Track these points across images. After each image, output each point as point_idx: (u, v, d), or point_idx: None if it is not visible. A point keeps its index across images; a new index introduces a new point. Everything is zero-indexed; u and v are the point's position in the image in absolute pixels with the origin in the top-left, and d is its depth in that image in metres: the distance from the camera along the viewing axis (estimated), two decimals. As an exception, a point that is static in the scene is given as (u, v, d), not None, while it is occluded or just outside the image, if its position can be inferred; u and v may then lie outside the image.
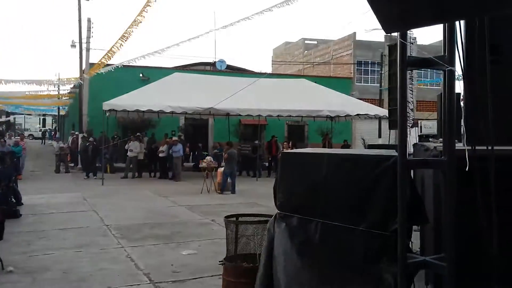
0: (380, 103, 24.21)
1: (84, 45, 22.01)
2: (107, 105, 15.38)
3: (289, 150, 8.71)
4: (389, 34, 15.75)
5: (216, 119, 21.39)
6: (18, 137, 20.58)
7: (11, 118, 45.52)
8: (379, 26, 1.92)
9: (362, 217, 3.21)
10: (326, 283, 3.40)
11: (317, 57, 33.26)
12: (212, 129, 24.23)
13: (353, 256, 3.23)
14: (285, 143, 18.89)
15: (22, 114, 42.39)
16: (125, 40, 15.34)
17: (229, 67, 26.35)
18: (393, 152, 3.26)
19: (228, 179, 13.50)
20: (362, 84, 28.79)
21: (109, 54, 19.57)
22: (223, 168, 13.77)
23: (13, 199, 9.76)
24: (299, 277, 3.60)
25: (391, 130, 7.43)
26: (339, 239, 3.35)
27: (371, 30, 39.45)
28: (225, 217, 4.70)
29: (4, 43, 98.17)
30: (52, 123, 50.20)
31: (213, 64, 26.34)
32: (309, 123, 23.78)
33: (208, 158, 14.85)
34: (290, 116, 18.48)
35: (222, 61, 25.78)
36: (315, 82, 21.23)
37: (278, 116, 17.88)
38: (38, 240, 7.44)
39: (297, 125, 24.95)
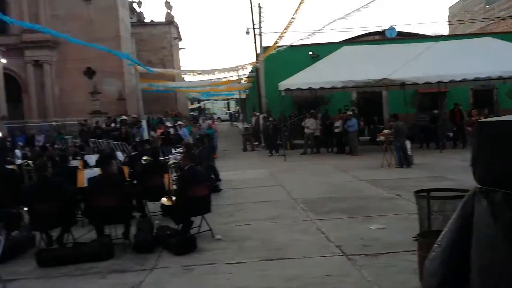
0: None
1: (257, 31, 23.41)
2: (282, 85, 16.18)
3: (482, 119, 7.94)
4: None
5: (391, 90, 20.60)
6: (210, 121, 23.15)
7: (201, 104, 51.33)
8: None
9: None
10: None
11: (502, 10, 29.13)
12: (387, 101, 23.42)
13: None
14: (473, 110, 17.14)
15: (210, 100, 47.37)
16: (293, 21, 15.86)
17: (400, 34, 24.94)
18: None
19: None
20: None
21: (280, 36, 20.48)
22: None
23: (213, 176, 11.10)
24: (506, 268, 3.00)
25: None
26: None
27: None
28: (415, 191, 4.60)
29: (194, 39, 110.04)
30: (236, 106, 54.82)
31: (382, 33, 25.26)
32: (498, 86, 21.15)
33: (386, 131, 14.48)
34: (477, 79, 16.68)
35: (392, 29, 24.51)
36: (502, 40, 18.68)
37: (462, 81, 16.34)
38: (237, 212, 8.38)
39: (484, 90, 22.41)
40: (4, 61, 22.72)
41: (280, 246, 6.04)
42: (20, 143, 19.25)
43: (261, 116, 21.43)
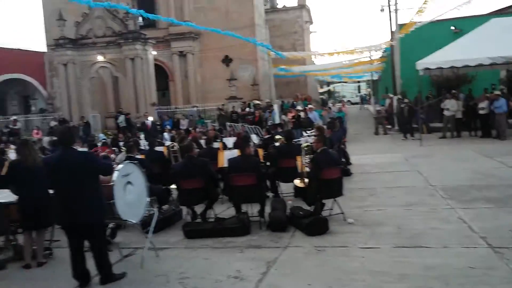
0: None
1: (392, 7, 22.29)
2: (420, 64, 15.22)
3: None
4: None
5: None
6: (340, 104, 22.89)
7: (331, 87, 50.90)
8: None
9: None
10: None
11: None
12: (544, 78, 20.59)
13: None
14: None
15: (340, 82, 46.70)
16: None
17: None
18: None
19: None
20: None
21: (418, 12, 19.20)
22: None
23: (343, 159, 11.01)
24: None
25: None
26: None
27: None
28: None
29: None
30: (366, 88, 53.28)
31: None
32: None
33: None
34: None
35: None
36: None
37: None
38: (369, 196, 8.22)
39: None
40: (154, 53, 25.17)
41: (417, 234, 5.80)
42: (168, 127, 21.27)
43: (395, 98, 20.50)
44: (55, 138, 14.41)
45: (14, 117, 25.54)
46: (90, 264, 4.84)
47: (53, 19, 25.07)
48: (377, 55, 28.31)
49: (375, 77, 34.44)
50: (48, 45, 28.29)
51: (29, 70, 29.83)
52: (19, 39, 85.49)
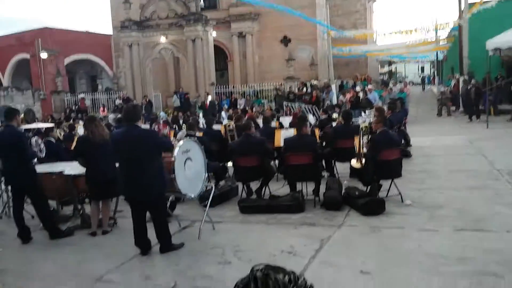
0: None
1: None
2: (491, 44, 14.39)
3: None
4: None
5: None
6: (402, 84, 22.10)
7: (392, 67, 49.19)
8: None
9: None
10: None
11: None
12: None
13: None
14: None
15: (402, 62, 45.01)
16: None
17: None
18: None
19: None
20: None
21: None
22: None
23: (403, 141, 10.69)
24: None
25: None
26: None
27: None
28: None
29: None
30: (430, 69, 51.00)
31: None
32: None
33: None
34: None
35: None
36: None
37: None
38: (429, 179, 7.96)
39: None
40: (214, 34, 25.46)
41: (479, 218, 5.58)
42: (226, 106, 21.61)
43: (461, 78, 19.48)
44: (119, 115, 15.09)
45: (82, 95, 26.95)
46: (151, 233, 5.10)
47: (120, 2, 25.97)
48: (443, 34, 26.96)
49: (440, 57, 32.83)
50: (114, 27, 29.40)
51: (97, 51, 31.24)
52: (88, 22, 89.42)
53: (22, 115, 7.24)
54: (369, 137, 7.09)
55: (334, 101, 19.40)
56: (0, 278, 4.64)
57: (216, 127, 10.36)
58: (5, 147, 5.63)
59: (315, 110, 18.47)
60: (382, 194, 6.68)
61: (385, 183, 6.82)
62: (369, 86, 20.04)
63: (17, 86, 27.43)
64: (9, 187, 6.37)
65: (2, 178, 6.56)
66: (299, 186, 7.05)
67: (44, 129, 9.09)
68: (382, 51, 30.05)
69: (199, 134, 8.61)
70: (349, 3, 32.12)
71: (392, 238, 5.17)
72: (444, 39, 27.51)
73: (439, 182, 7.70)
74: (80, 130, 10.39)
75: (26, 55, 28.90)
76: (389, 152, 6.61)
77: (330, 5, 27.11)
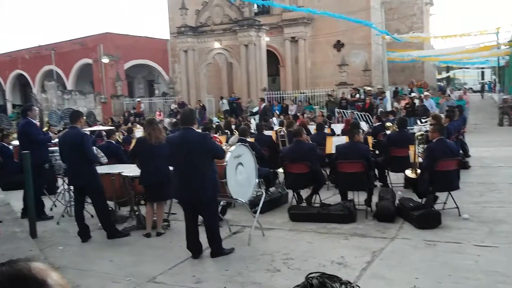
0: None
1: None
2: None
3: None
4: None
5: None
6: (461, 91, 21.23)
7: (450, 73, 47.32)
8: None
9: None
10: None
11: None
12: None
13: None
14: None
15: (461, 68, 43.20)
16: None
17: None
18: None
19: None
20: None
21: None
22: None
23: (461, 151, 10.28)
24: None
25: None
26: None
27: None
28: None
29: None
30: (491, 75, 48.60)
31: None
32: None
33: None
34: None
35: None
36: None
37: None
38: (489, 192, 7.61)
39: None
40: (267, 39, 25.62)
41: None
42: (277, 112, 21.65)
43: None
44: (174, 119, 15.52)
45: (138, 99, 27.95)
46: (203, 237, 5.21)
47: (176, 8, 26.70)
48: (505, 39, 25.65)
49: (502, 63, 31.24)
50: (171, 33, 30.28)
51: (155, 56, 32.29)
52: (146, 27, 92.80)
53: (84, 118, 7.61)
54: (425, 146, 6.88)
55: (389, 108, 18.95)
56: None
57: (267, 132, 10.41)
58: (69, 148, 5.96)
59: (368, 117, 18.12)
60: (438, 206, 6.46)
61: (442, 195, 6.58)
62: (426, 93, 19.41)
63: (80, 89, 28.86)
64: (71, 187, 6.72)
65: (65, 178, 6.94)
66: (350, 195, 6.96)
67: (105, 131, 9.51)
68: (439, 56, 29.05)
69: (250, 139, 8.70)
70: (406, 6, 31.32)
71: (447, 253, 4.98)
72: (506, 43, 26.19)
73: (500, 195, 7.35)
74: (138, 133, 10.79)
75: (89, 60, 30.35)
76: (446, 162, 6.38)
77: (385, 8, 26.56)
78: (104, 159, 7.12)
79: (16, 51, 35.24)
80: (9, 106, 35.61)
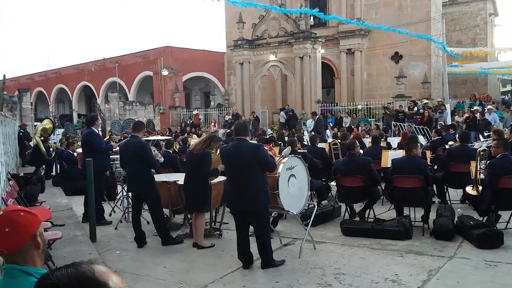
0: None
1: None
2: None
3: None
4: None
5: None
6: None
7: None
8: None
9: None
10: None
11: None
12: None
13: None
14: None
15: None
16: None
17: None
18: None
19: None
20: None
21: None
22: None
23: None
24: None
25: None
26: None
27: None
28: None
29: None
30: None
31: None
32: None
33: None
34: None
35: None
36: None
37: None
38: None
39: None
40: (322, 51, 25.52)
41: None
42: (331, 124, 21.44)
43: None
44: (228, 130, 15.77)
45: (196, 112, 28.67)
46: (254, 248, 5.23)
47: (233, 22, 27.27)
48: None
49: None
50: (227, 46, 30.91)
51: (211, 69, 33.10)
52: (204, 41, 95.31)
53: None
54: (487, 162, 6.56)
55: (449, 122, 18.22)
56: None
57: (320, 145, 10.34)
58: (130, 156, 6.22)
59: (427, 130, 17.51)
60: (500, 225, 6.11)
61: (505, 214, 6.23)
62: (489, 106, 18.51)
63: (140, 100, 30.07)
64: (130, 193, 6.99)
65: (125, 185, 7.23)
66: (406, 211, 6.74)
67: (164, 141, 9.83)
68: (504, 69, 27.64)
69: (303, 151, 8.67)
70: (468, 17, 30.20)
71: (509, 275, 4.70)
72: None
73: None
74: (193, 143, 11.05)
75: (149, 72, 31.60)
76: (509, 179, 6.04)
77: (446, 19, 25.70)
78: (161, 159, 7.33)
79: (83, 64, 37.32)
80: (75, 116, 37.64)
